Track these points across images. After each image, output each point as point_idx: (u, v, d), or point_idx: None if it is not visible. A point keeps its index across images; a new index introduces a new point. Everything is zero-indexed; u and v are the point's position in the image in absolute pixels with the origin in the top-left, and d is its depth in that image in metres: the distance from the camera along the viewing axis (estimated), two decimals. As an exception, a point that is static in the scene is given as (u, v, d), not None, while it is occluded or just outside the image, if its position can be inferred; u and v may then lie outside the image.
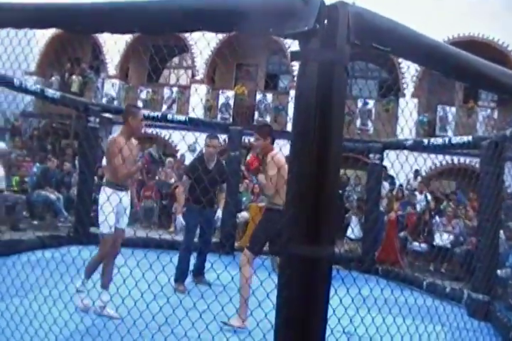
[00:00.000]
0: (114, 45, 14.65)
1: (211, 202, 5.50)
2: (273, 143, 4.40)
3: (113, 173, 4.24)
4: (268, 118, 14.73)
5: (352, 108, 13.35)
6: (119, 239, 4.32)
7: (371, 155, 7.70)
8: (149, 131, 15.17)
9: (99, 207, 4.25)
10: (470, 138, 6.28)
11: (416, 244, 8.77)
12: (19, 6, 2.70)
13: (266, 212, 4.45)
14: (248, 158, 4.46)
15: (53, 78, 15.58)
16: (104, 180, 4.47)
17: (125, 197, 4.27)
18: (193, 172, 5.19)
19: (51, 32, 14.81)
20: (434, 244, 8.54)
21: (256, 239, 4.29)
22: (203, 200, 4.75)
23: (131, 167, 4.20)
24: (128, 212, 4.37)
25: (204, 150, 5.62)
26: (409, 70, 13.26)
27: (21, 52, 3.31)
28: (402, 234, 8.91)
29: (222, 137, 6.80)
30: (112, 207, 4.02)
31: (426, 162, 10.30)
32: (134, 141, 4.42)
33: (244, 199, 10.18)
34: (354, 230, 8.63)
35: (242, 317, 4.11)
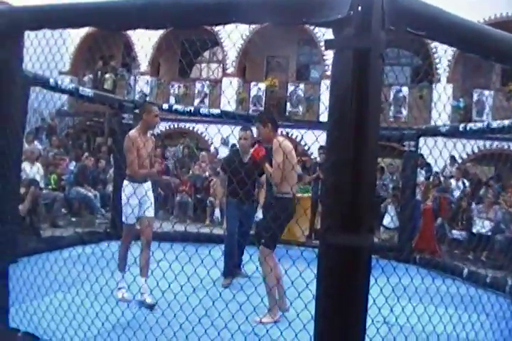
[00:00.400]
0: (146, 42, 14.80)
1: (249, 196, 5.42)
2: (276, 131, 4.32)
3: (127, 166, 4.47)
4: (301, 109, 14.66)
5: (386, 95, 13.11)
6: (144, 228, 4.46)
7: (406, 143, 7.55)
8: (182, 125, 15.31)
9: None
10: (511, 122, 6.09)
11: (455, 231, 8.59)
12: (52, 7, 2.74)
13: (275, 202, 4.22)
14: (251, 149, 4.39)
15: (86, 77, 15.81)
16: None
17: (141, 189, 4.39)
18: (228, 166, 5.17)
19: (83, 31, 14.99)
20: (474, 231, 8.35)
21: (270, 233, 4.05)
22: (240, 193, 4.73)
23: (142, 159, 4.42)
24: (152, 202, 4.52)
25: (238, 144, 5.61)
26: (446, 54, 12.88)
27: (57, 51, 3.37)
28: (438, 220, 8.73)
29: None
30: (127, 197, 4.34)
31: (465, 147, 10.06)
32: (149, 136, 4.65)
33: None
34: (393, 219, 8.51)
35: (274, 312, 4.10)
